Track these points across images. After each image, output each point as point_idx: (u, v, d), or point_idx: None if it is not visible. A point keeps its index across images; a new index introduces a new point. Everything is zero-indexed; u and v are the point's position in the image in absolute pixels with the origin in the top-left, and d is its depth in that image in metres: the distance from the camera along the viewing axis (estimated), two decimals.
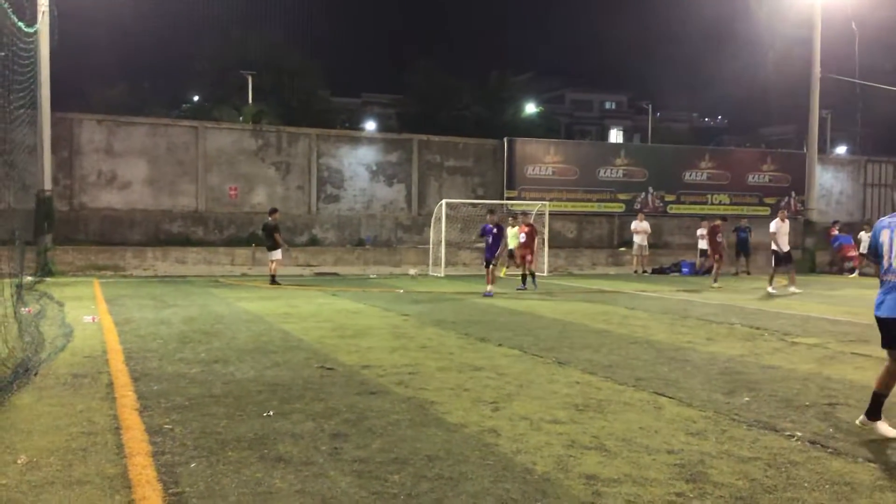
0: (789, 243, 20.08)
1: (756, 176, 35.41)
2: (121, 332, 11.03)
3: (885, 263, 6.06)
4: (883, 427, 6.04)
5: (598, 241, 33.50)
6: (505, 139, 32.51)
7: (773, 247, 19.83)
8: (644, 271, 27.93)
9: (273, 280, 20.03)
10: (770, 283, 19.55)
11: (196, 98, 53.75)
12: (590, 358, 9.49)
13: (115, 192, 27.71)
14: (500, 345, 10.44)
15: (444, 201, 26.13)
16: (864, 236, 27.86)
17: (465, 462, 5.28)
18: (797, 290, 19.32)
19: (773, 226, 19.87)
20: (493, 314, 14.26)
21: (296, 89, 44.26)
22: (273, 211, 21.18)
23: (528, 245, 19.96)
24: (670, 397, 7.36)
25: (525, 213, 20.52)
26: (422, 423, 6.27)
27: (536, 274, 20.56)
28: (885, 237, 6.10)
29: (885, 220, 6.24)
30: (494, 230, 18.32)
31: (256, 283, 20.30)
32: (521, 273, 20.14)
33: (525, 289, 19.37)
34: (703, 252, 28.24)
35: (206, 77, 48.23)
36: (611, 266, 30.46)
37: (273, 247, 20.22)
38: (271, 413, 6.49)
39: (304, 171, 30.21)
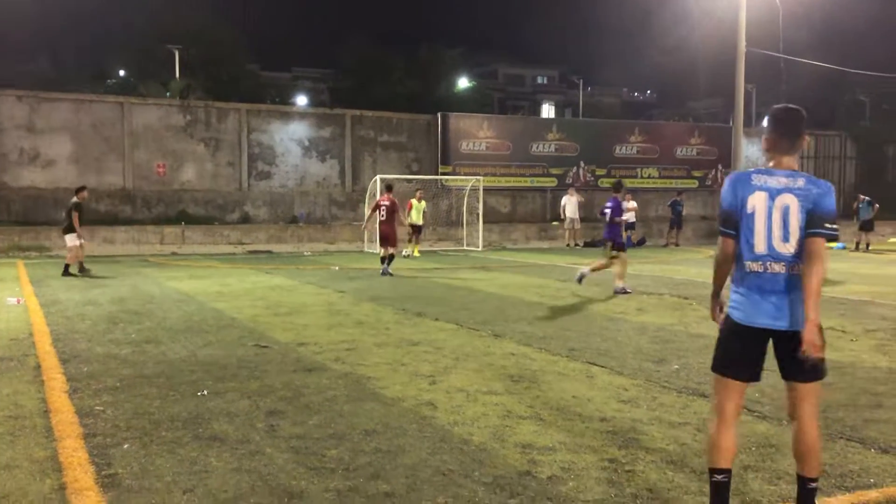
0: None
1: (684, 149, 36.14)
2: (47, 314, 10.75)
3: (757, 244, 3.77)
4: None
5: (532, 216, 33.80)
6: (439, 114, 32.47)
7: None
8: (577, 244, 28.30)
9: (66, 271, 16.26)
10: None
11: (122, 73, 52.23)
12: (524, 330, 9.61)
13: (38, 171, 26.88)
14: (436, 319, 10.50)
15: (377, 177, 26.01)
16: None
17: (402, 435, 5.31)
18: None
19: None
20: (428, 289, 14.31)
21: (224, 64, 43.33)
22: (79, 189, 17.49)
23: (388, 222, 16.90)
24: (602, 366, 7.51)
25: (389, 188, 17.31)
26: (359, 399, 6.28)
27: (480, 247, 20.37)
28: (756, 203, 3.76)
29: (754, 175, 3.83)
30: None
31: (188, 263, 19.95)
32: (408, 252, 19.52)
33: (389, 273, 16.53)
34: (629, 225, 28.76)
35: (131, 52, 46.83)
36: (544, 240, 30.78)
37: (69, 229, 16.73)
38: (205, 392, 6.42)
39: (234, 148, 29.72)
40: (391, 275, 16.36)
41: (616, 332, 9.44)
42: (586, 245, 28.49)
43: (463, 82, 51.85)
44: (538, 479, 4.49)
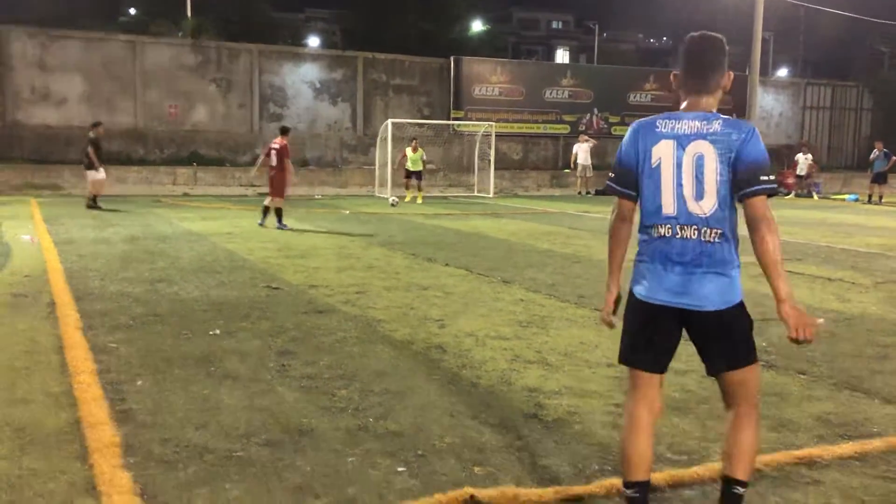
0: None
1: None
2: (61, 252, 10.83)
3: (665, 205, 3.10)
4: None
5: (544, 163, 33.63)
6: (452, 58, 32.13)
7: None
8: (588, 192, 28.21)
9: (93, 203, 17.49)
10: None
11: (132, 11, 51.72)
12: (534, 277, 9.65)
13: (50, 109, 26.85)
14: (446, 265, 10.54)
15: (389, 121, 25.87)
16: (801, 158, 28.46)
17: (411, 377, 5.39)
18: None
19: None
20: (439, 235, 14.33)
21: (236, 2, 42.84)
22: (95, 124, 18.34)
23: (277, 168, 14.77)
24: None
25: (283, 131, 15.24)
26: (369, 341, 6.35)
27: (488, 194, 20.28)
28: (662, 154, 3.07)
29: (659, 120, 3.12)
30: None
31: (199, 204, 20.01)
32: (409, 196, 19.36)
33: (263, 225, 14.79)
34: None
35: None
36: (556, 188, 30.68)
37: (90, 165, 17.77)
38: (217, 332, 6.50)
39: (245, 89, 29.56)
40: (285, 228, 14.43)
41: (625, 281, 9.43)
42: (598, 193, 28.39)
43: (477, 25, 51.18)
44: (544, 422, 4.55)
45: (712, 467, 3.85)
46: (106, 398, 4.78)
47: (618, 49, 71.85)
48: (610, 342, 6.44)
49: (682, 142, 3.03)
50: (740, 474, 3.13)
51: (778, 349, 6.26)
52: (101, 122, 19.31)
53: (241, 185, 26.00)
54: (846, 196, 28.56)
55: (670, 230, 3.09)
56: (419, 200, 22.52)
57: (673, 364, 5.29)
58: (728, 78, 3.15)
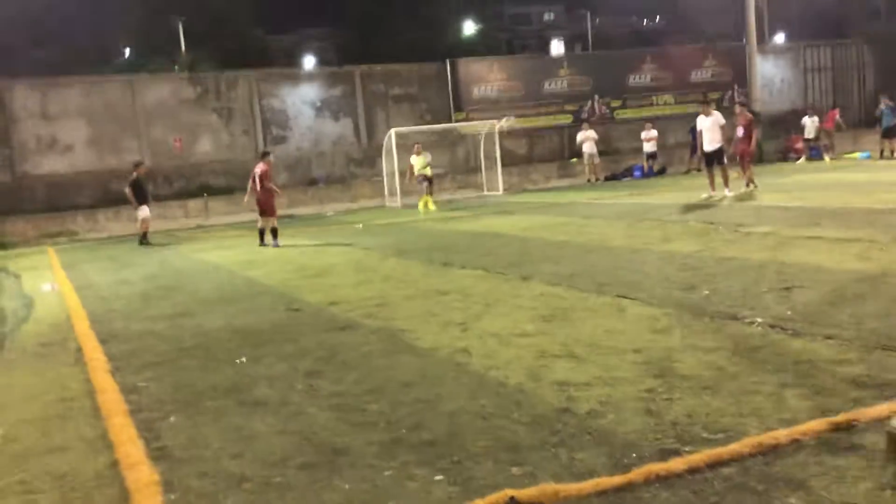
0: (719, 140, 17.63)
1: (699, 72, 35.53)
2: (82, 297, 10.92)
3: None
4: None
5: (550, 155, 33.56)
6: (448, 61, 32.15)
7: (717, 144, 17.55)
8: (597, 179, 28.14)
9: (144, 239, 18.71)
10: (726, 183, 17.62)
11: (127, 51, 52.14)
12: (552, 270, 9.63)
13: (57, 157, 27.05)
14: (463, 267, 10.54)
15: (391, 131, 25.90)
16: (808, 121, 28.24)
17: (440, 384, 5.39)
18: (728, 193, 17.32)
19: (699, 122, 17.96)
20: (452, 238, 14.34)
21: (229, 31, 43.15)
22: (137, 164, 19.99)
23: (262, 191, 15.73)
24: (633, 299, 7.52)
25: (263, 155, 16.40)
26: (394, 352, 6.36)
27: (489, 193, 20.17)
28: None
29: None
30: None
31: (213, 234, 20.11)
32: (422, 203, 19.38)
33: (278, 244, 15.41)
34: (650, 155, 28.55)
35: (134, 30, 46.76)
36: (564, 179, 30.61)
37: (137, 202, 19.16)
38: (244, 360, 6.53)
39: (247, 115, 29.69)
40: (279, 246, 15.29)
41: (643, 264, 9.43)
42: (607, 179, 28.32)
43: (469, 27, 51.20)
44: (577, 415, 4.54)
45: (749, 442, 3.83)
46: (141, 437, 4.80)
47: (612, 33, 71.59)
48: (634, 328, 6.42)
49: None
50: None
51: (803, 317, 6.21)
52: (143, 161, 21.20)
53: (252, 211, 26.05)
54: (857, 154, 28.33)
55: None
56: (431, 206, 22.45)
57: (699, 342, 5.27)
58: None
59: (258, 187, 15.71)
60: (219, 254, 15.09)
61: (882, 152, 26.10)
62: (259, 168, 15.82)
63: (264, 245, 15.57)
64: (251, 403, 5.34)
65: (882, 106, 26.08)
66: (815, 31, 40.74)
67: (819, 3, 38.89)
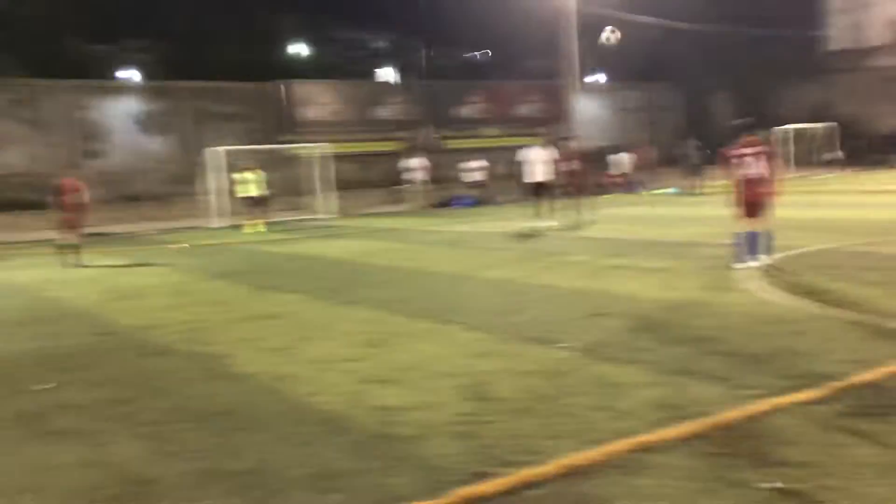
0: (550, 172, 18.06)
1: (523, 107, 37.01)
2: None
3: None
4: None
5: (381, 181, 33.79)
6: (281, 83, 31.82)
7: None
8: (430, 206, 28.56)
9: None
10: (549, 215, 17.75)
11: None
12: (378, 295, 9.68)
13: None
14: (289, 292, 10.41)
15: (221, 149, 25.23)
16: (624, 157, 29.99)
17: (258, 411, 5.28)
18: (553, 223, 17.48)
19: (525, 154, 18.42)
20: (279, 261, 14.14)
21: (41, 40, 40.70)
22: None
23: (70, 207, 14.63)
24: (455, 323, 7.69)
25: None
26: (212, 378, 6.19)
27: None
28: None
29: None
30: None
31: (21, 252, 18.81)
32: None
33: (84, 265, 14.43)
34: (478, 184, 29.41)
35: None
36: (396, 204, 30.88)
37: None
38: (49, 386, 6.14)
39: (63, 127, 28.10)
40: (85, 266, 14.38)
41: (466, 290, 9.67)
42: (437, 206, 28.80)
43: (301, 49, 50.95)
44: (396, 440, 4.58)
45: (560, 464, 4.01)
46: None
47: (444, 64, 73.24)
48: (456, 352, 6.56)
49: None
50: None
51: (614, 343, 6.56)
52: None
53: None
54: (667, 189, 30.28)
55: None
56: (260, 228, 21.96)
57: (516, 366, 5.44)
58: None
59: (66, 200, 14.69)
60: (26, 273, 14.13)
61: (694, 188, 27.94)
62: (68, 180, 14.93)
63: (75, 266, 14.43)
64: (57, 433, 5.03)
65: (689, 146, 28.11)
66: (634, 74, 43.41)
67: (636, 51, 41.47)
